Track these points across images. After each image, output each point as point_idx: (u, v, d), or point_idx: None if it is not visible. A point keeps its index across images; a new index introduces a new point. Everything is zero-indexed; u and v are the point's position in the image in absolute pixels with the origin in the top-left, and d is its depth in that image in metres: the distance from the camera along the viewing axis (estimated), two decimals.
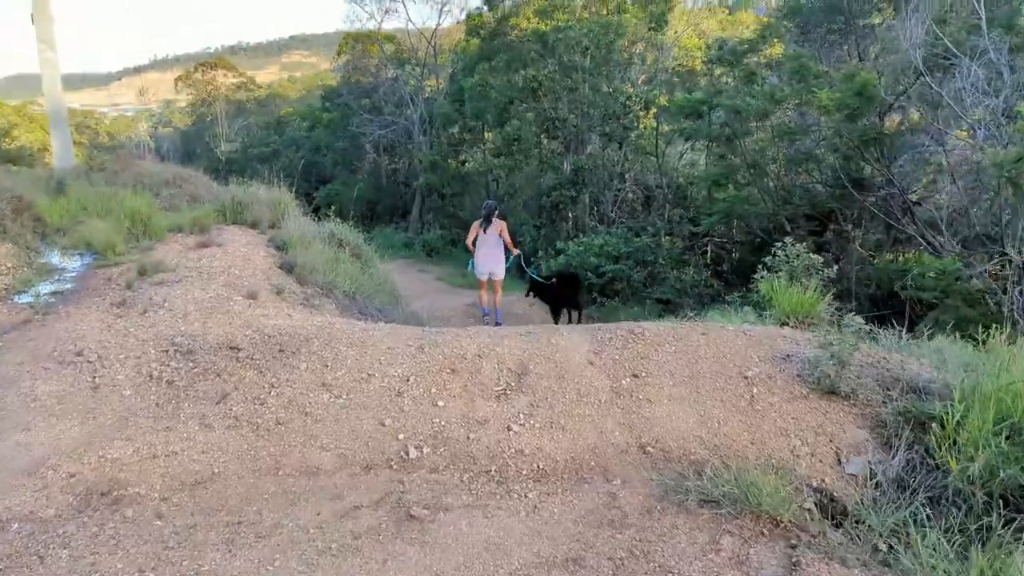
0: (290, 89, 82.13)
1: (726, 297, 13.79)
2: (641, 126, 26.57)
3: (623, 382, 5.92)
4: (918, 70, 12.60)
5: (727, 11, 36.23)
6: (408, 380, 5.99)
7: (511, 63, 24.04)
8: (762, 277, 10.59)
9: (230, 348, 6.51)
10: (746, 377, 5.85)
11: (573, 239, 23.19)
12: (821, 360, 5.79)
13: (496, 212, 10.79)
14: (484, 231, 10.64)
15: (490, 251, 10.74)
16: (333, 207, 37.61)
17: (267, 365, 6.25)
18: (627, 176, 27.85)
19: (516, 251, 11.19)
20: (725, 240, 22.43)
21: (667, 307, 13.67)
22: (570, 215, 23.69)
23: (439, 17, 34.26)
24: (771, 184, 15.80)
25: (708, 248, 24.81)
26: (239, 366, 6.25)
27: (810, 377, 5.75)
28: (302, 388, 5.93)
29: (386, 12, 34.39)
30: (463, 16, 31.78)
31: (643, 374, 5.98)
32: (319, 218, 12.75)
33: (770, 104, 14.72)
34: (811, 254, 10.40)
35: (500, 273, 10.91)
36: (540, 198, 23.72)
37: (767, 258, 10.06)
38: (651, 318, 14.69)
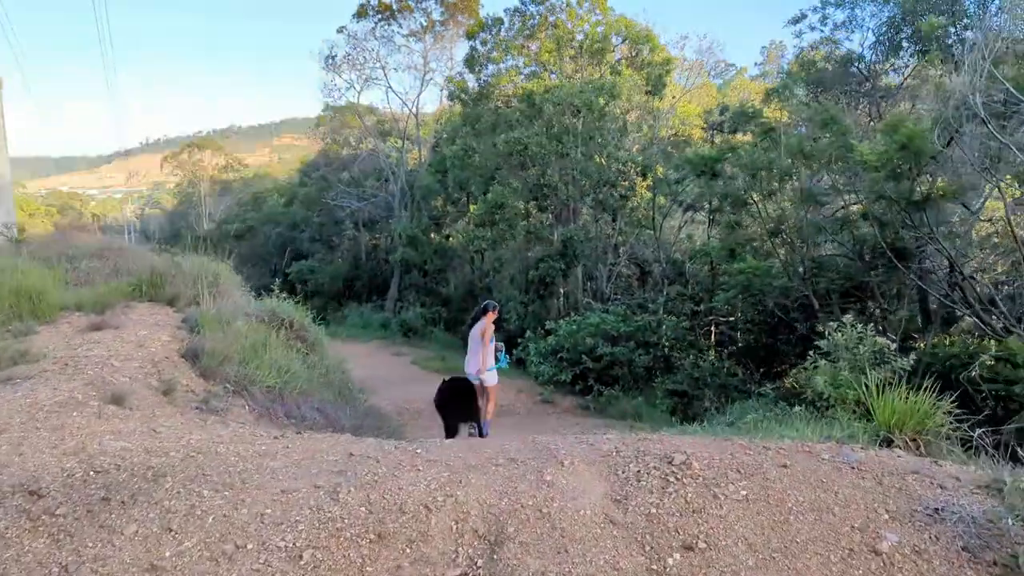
0: (277, 170, 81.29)
1: (754, 388, 11.43)
2: (637, 196, 24.66)
3: (669, 560, 3.47)
4: (974, 117, 10.59)
5: (716, 89, 35.00)
6: (301, 558, 3.51)
7: (496, 126, 22.20)
8: (813, 365, 8.22)
9: (28, 493, 4.03)
10: (878, 552, 3.43)
11: (564, 317, 20.89)
12: (1000, 519, 3.43)
13: (489, 310, 9.28)
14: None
15: (474, 354, 9.16)
16: (308, 284, 35.76)
17: (73, 527, 3.76)
18: (621, 250, 25.81)
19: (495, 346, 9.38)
20: (731, 320, 20.18)
21: (682, 400, 11.27)
22: (561, 291, 21.44)
23: (421, 86, 32.73)
24: (796, 255, 13.66)
25: (712, 330, 22.57)
26: (27, 528, 3.76)
27: (987, 550, 3.36)
28: (116, 573, 3.44)
29: (366, 81, 32.77)
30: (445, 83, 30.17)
31: (701, 544, 3.53)
32: (291, 297, 10.55)
33: (796, 160, 12.71)
34: (877, 337, 8.08)
35: (488, 380, 9.20)
36: (528, 272, 21.54)
37: (822, 341, 7.69)
38: (662, 414, 12.28)
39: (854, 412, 8.00)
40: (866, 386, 5.50)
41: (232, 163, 66.89)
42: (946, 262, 12.46)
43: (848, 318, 8.25)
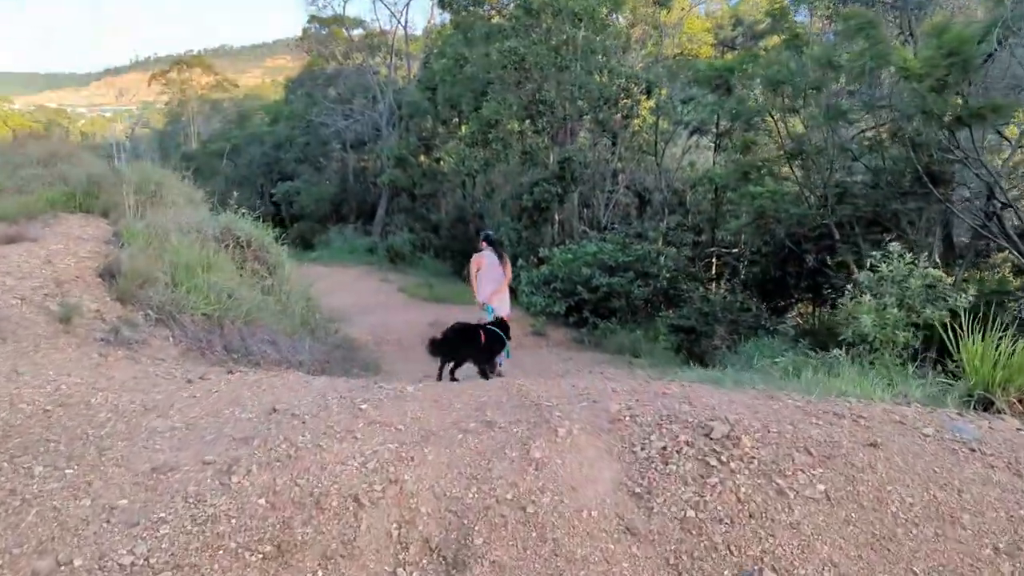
0: (269, 91, 78.62)
1: (769, 325, 10.23)
2: (639, 119, 23.06)
3: None
4: None
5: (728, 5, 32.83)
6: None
7: (489, 36, 20.38)
8: (853, 300, 6.98)
9: None
10: None
11: (559, 245, 19.58)
12: None
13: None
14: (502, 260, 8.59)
15: (498, 283, 8.57)
16: (293, 207, 34.23)
17: None
18: (620, 177, 24.33)
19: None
20: (734, 252, 18.87)
21: (688, 337, 10.03)
22: (556, 217, 20.03)
23: None
24: (817, 180, 12.21)
25: (712, 262, 21.32)
26: None
27: None
28: None
29: None
30: None
31: (766, 568, 2.32)
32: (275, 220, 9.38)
33: (823, 71, 11.20)
34: (930, 269, 6.81)
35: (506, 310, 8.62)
36: (521, 197, 20.10)
37: (863, 274, 6.45)
38: (665, 351, 11.12)
39: (900, 358, 6.82)
40: (947, 327, 4.23)
41: (223, 83, 64.85)
42: (982, 190, 11.12)
43: (895, 247, 6.98)
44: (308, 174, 37.97)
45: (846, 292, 7.11)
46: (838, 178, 11.93)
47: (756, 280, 16.66)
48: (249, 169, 43.14)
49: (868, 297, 6.59)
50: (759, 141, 14.16)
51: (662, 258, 16.43)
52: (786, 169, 13.03)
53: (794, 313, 17.21)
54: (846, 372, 5.00)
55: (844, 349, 6.32)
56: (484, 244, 8.54)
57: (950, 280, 10.56)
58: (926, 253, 7.28)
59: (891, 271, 6.82)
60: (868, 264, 7.12)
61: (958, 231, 13.90)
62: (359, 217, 34.19)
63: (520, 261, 17.33)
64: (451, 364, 7.20)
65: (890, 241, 10.59)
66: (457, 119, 25.93)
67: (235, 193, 10.76)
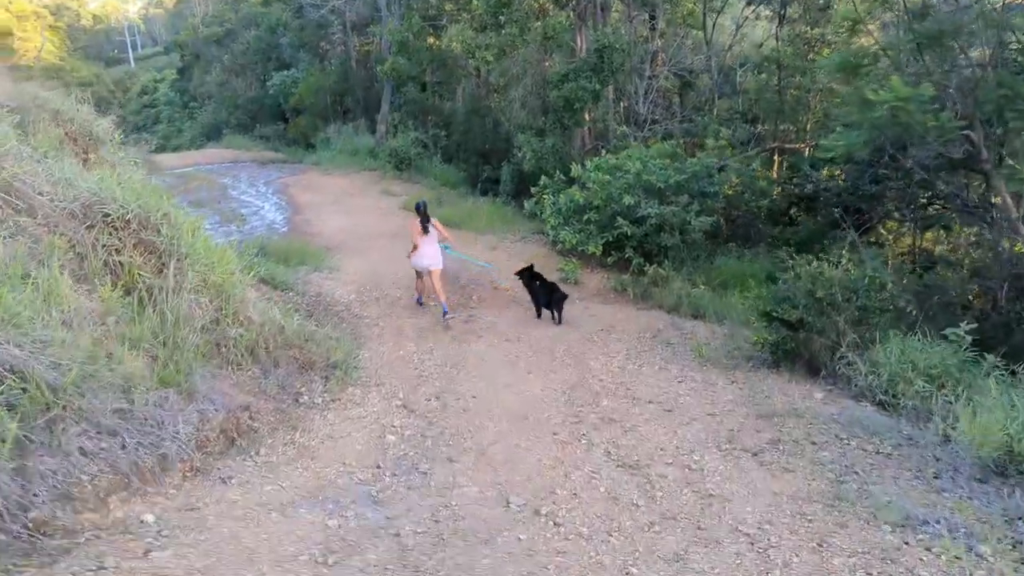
0: None
1: (911, 309, 6.98)
2: None
3: None
4: None
5: None
6: None
7: None
8: None
9: None
10: None
11: (589, 153, 16.05)
12: None
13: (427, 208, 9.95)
14: (427, 232, 9.79)
15: (430, 245, 9.84)
16: (290, 100, 30.54)
17: None
18: (660, 57, 20.37)
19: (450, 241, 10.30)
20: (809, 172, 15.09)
21: (797, 334, 6.69)
22: (588, 117, 16.38)
23: None
24: (969, 75, 8.53)
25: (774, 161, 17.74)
26: None
27: None
28: None
29: None
30: None
31: None
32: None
33: None
34: None
35: (440, 263, 9.95)
36: (545, 93, 16.44)
37: None
38: (758, 325, 7.91)
39: None
40: None
41: None
42: None
43: None
44: (307, 61, 34.00)
45: None
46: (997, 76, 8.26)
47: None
48: (246, 56, 39.12)
49: None
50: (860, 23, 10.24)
51: (725, 171, 13.09)
52: (915, 63, 9.28)
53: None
54: None
55: None
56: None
57: None
58: None
59: None
60: None
61: None
62: (366, 110, 30.45)
63: (544, 180, 13.96)
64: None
65: None
66: None
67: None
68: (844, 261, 6.81)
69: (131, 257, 5.61)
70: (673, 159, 13.12)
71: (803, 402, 6.17)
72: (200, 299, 5.80)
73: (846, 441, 5.53)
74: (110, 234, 5.65)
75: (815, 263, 6.79)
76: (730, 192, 13.21)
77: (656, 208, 11.49)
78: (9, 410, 3.60)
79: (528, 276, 10.16)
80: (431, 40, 26.25)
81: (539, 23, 15.94)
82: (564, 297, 9.81)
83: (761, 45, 21.95)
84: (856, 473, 4.98)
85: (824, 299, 6.53)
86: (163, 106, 53.13)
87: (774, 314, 6.79)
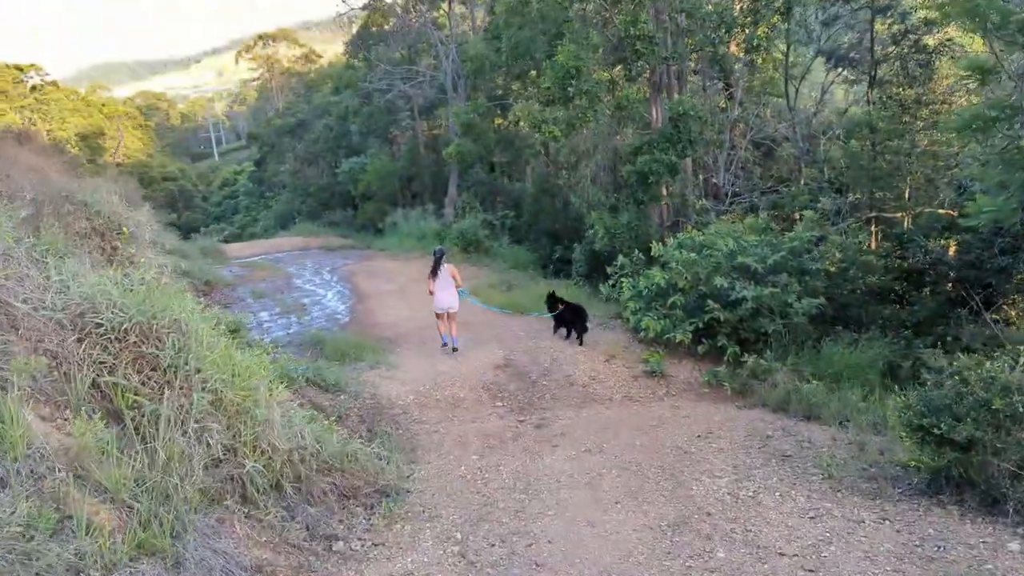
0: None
1: None
2: (763, 53, 17.81)
3: None
4: None
5: None
6: None
7: None
8: None
9: None
10: None
11: (669, 230, 14.77)
12: None
13: (444, 257, 11.23)
14: (437, 277, 11.02)
15: (446, 290, 11.04)
16: (358, 186, 30.39)
17: None
18: (737, 127, 19.19)
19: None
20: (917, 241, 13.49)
21: (965, 454, 5.11)
22: (665, 191, 15.17)
23: None
24: None
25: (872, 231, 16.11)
26: None
27: None
28: None
29: None
30: None
31: None
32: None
33: None
34: None
35: (456, 306, 11.23)
36: (617, 168, 15.38)
37: None
38: (896, 430, 6.33)
39: None
40: None
41: (309, 55, 63.10)
42: None
43: None
44: (376, 147, 34.12)
45: None
46: None
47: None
48: (316, 145, 39.75)
49: None
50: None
51: (825, 244, 11.66)
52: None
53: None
54: None
55: None
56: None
57: None
58: None
59: None
60: None
61: None
62: (434, 193, 30.07)
63: (620, 259, 12.73)
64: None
65: None
66: (533, 70, 21.12)
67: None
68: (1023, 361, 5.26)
69: (126, 376, 4.56)
70: (764, 234, 11.75)
71: (994, 559, 4.56)
72: (209, 426, 4.67)
73: None
74: (104, 348, 4.64)
75: (987, 363, 5.26)
76: (832, 268, 11.67)
77: (753, 290, 10.06)
78: None
79: (552, 300, 11.85)
80: (498, 121, 25.82)
81: (610, 96, 15.02)
82: (587, 318, 11.49)
83: (846, 110, 20.71)
84: None
85: (1002, 411, 5.00)
86: (242, 196, 54.88)
87: (933, 430, 5.26)
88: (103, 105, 60.77)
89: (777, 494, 5.99)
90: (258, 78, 67.82)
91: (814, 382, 8.90)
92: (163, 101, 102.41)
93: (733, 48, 18.04)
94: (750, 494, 6.02)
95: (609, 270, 12.97)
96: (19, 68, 49.08)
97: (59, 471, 3.68)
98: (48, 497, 3.47)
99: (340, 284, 18.57)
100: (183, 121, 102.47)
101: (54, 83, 52.54)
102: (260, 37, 64.86)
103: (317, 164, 41.00)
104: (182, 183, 60.69)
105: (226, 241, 33.47)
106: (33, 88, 49.67)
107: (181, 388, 4.66)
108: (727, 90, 19.77)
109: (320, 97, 43.35)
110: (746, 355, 9.89)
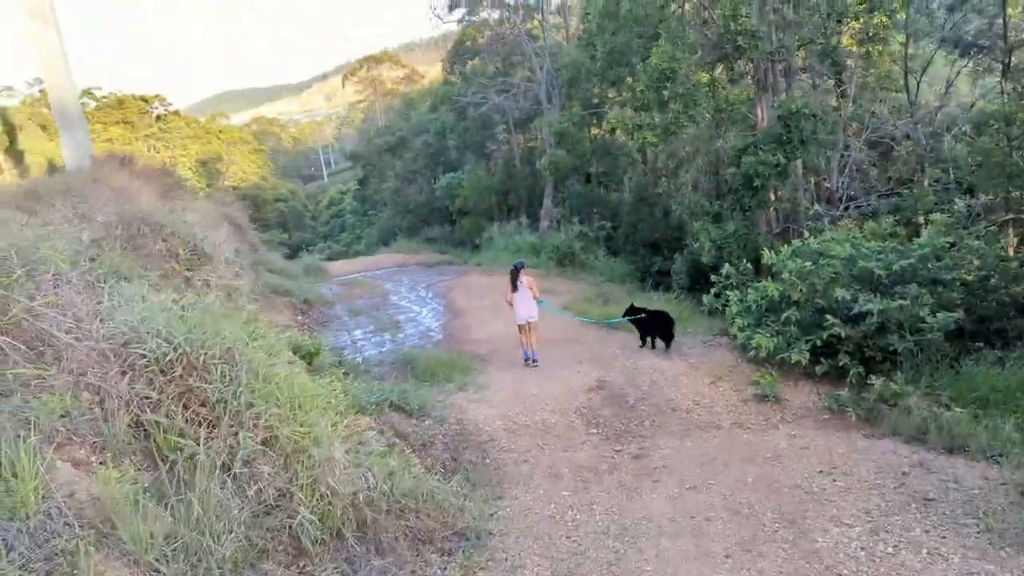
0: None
1: None
2: (878, 45, 16.46)
3: None
4: None
5: None
6: None
7: None
8: None
9: None
10: None
11: (779, 237, 13.67)
12: None
13: (521, 270, 11.35)
14: (516, 289, 11.17)
15: (525, 302, 11.17)
16: (456, 201, 30.29)
17: None
18: (851, 127, 17.82)
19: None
20: None
21: None
22: (773, 196, 14.07)
23: None
24: None
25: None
26: None
27: None
28: None
29: None
30: None
31: None
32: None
33: None
34: None
35: (536, 316, 11.28)
36: (719, 173, 14.39)
37: None
38: None
39: None
40: None
41: (411, 75, 64.61)
42: None
43: None
44: (472, 162, 34.06)
45: None
46: None
47: None
48: (416, 162, 40.17)
49: None
50: None
51: (961, 250, 10.38)
52: None
53: None
54: None
55: None
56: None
57: None
58: None
59: None
60: None
61: None
62: (530, 206, 29.65)
63: (726, 268, 11.78)
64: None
65: None
66: (628, 74, 20.31)
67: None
68: None
69: (169, 413, 4.14)
70: (891, 235, 10.59)
71: None
72: (260, 469, 4.19)
73: None
74: (148, 381, 4.24)
75: None
76: (970, 277, 10.36)
77: (878, 303, 8.97)
78: None
79: (631, 311, 11.65)
80: (593, 130, 25.14)
81: (710, 98, 14.08)
82: (672, 324, 11.22)
83: (973, 104, 18.95)
84: None
85: None
86: (348, 215, 56.45)
87: None
88: (220, 132, 63.89)
89: (924, 551, 5.00)
90: (364, 100, 69.88)
91: (955, 408, 7.75)
92: (276, 126, 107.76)
93: (846, 40, 16.71)
94: (889, 550, 5.06)
95: (713, 278, 12.04)
96: (144, 99, 51.98)
97: (78, 528, 3.24)
98: (60, 562, 3.02)
99: (435, 300, 18.27)
100: (295, 144, 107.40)
101: (176, 112, 55.44)
102: (364, 60, 66.74)
103: (416, 181, 41.38)
104: (292, 203, 63.02)
105: (329, 259, 34.05)
106: (158, 118, 52.49)
107: (230, 426, 4.21)
108: (839, 87, 18.43)
109: (419, 115, 43.83)
110: (872, 376, 8.78)
